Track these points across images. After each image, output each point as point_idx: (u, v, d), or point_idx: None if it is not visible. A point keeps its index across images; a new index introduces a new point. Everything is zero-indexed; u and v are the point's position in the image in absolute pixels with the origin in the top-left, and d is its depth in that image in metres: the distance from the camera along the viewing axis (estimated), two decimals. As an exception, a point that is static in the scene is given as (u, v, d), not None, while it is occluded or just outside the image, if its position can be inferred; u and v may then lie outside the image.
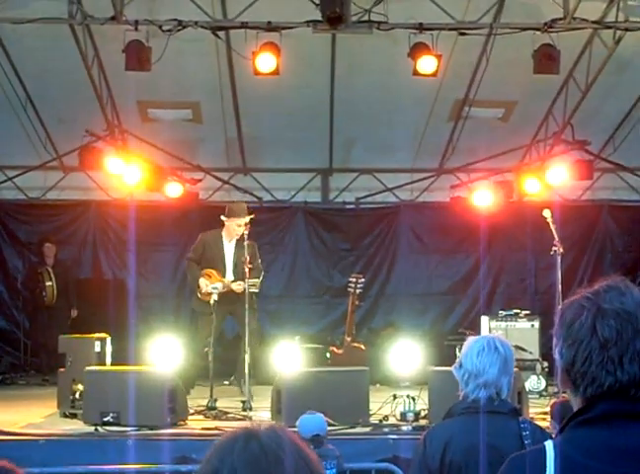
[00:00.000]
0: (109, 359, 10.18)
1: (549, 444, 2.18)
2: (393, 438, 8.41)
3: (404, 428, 8.91)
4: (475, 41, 11.88)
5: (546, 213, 10.68)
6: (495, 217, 14.48)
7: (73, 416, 9.43)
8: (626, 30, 11.10)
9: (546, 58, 11.06)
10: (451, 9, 11.18)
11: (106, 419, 8.84)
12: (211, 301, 10.48)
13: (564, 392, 2.57)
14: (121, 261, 15.40)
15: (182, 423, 9.14)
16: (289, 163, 15.21)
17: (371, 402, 9.36)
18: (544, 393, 11.42)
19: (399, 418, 9.23)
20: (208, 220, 12.73)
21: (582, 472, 2.10)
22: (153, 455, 7.82)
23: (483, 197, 14.62)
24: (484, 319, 13.12)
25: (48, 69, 12.69)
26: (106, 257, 15.61)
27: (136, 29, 10.78)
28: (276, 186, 15.52)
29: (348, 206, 15.90)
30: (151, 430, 8.69)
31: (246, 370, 10.00)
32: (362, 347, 12.28)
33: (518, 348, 11.30)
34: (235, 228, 10.90)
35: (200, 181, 14.86)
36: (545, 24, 10.81)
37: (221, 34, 11.39)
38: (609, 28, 11.13)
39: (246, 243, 10.40)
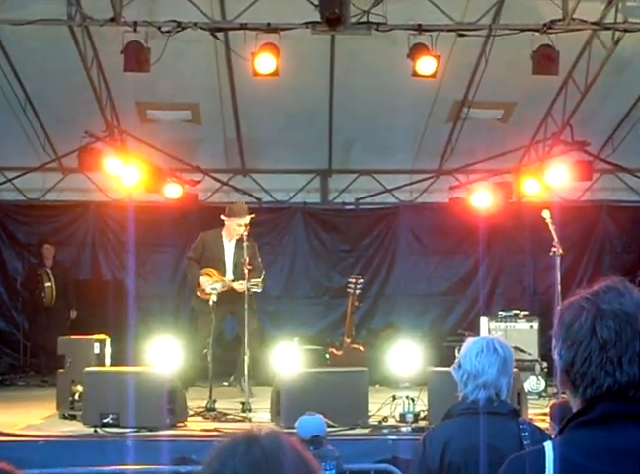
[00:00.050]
0: (108, 361, 10.18)
1: (548, 445, 2.19)
2: (392, 439, 8.41)
3: (403, 429, 8.90)
4: (474, 42, 11.89)
5: (545, 214, 10.68)
6: (494, 218, 14.48)
7: (72, 417, 9.43)
8: (625, 30, 11.10)
9: (545, 59, 11.06)
10: (450, 10, 11.18)
11: (105, 420, 8.84)
12: (210, 302, 10.47)
13: (563, 393, 2.57)
14: (121, 262, 15.40)
15: (181, 424, 9.14)
16: (288, 164, 15.21)
17: (371, 403, 9.36)
18: (544, 394, 11.42)
19: (398, 419, 9.23)
20: (208, 221, 12.73)
21: (581, 473, 2.10)
22: (152, 456, 7.82)
23: (482, 198, 14.62)
24: (483, 320, 13.12)
25: (47, 70, 12.68)
26: (105, 258, 15.61)
27: (135, 30, 10.78)
28: (275, 187, 15.52)
29: (347, 207, 15.89)
30: (150, 431, 8.69)
31: (245, 371, 10.00)
32: (362, 348, 12.28)
33: (517, 348, 11.29)
34: (235, 228, 10.92)
35: (199, 182, 14.86)
36: (544, 25, 10.81)
37: (220, 35, 11.39)
38: (608, 29, 11.13)
39: (245, 244, 10.41)
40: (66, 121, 13.54)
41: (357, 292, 12.31)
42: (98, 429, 8.76)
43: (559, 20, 10.78)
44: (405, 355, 13.16)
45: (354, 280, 12.33)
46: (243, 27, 10.90)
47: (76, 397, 9.47)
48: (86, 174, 14.52)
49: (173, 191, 14.36)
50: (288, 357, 12.54)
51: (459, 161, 14.98)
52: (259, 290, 10.70)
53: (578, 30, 11.10)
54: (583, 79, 12.43)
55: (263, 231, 13.94)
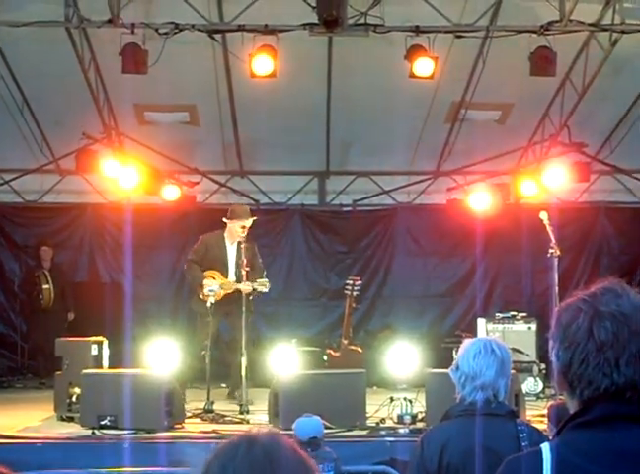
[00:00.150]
0: (106, 363, 10.18)
1: (545, 447, 2.18)
2: (390, 441, 8.42)
3: (401, 430, 8.91)
4: (472, 44, 11.89)
5: (543, 216, 10.67)
6: (492, 220, 14.47)
7: (70, 419, 9.43)
8: (622, 32, 11.10)
9: (543, 61, 11.07)
10: (448, 11, 11.18)
11: (103, 422, 8.83)
12: (208, 304, 10.47)
13: (561, 394, 2.57)
14: (118, 264, 15.38)
15: (179, 426, 9.14)
16: (286, 166, 15.21)
17: (368, 404, 9.36)
18: (541, 395, 11.42)
19: (396, 420, 9.24)
20: (206, 223, 12.72)
21: (579, 474, 2.10)
22: (150, 458, 7.82)
23: (480, 200, 14.62)
24: (481, 321, 13.12)
25: (45, 72, 12.67)
26: (102, 260, 15.61)
27: (133, 32, 10.77)
28: (272, 188, 15.52)
29: (344, 209, 15.89)
30: (148, 433, 8.69)
31: (243, 373, 9.99)
32: (359, 349, 12.27)
33: (514, 350, 11.28)
34: (237, 230, 10.87)
35: (197, 183, 14.85)
36: (542, 26, 10.81)
37: (218, 36, 11.38)
38: (606, 30, 11.13)
39: (243, 245, 10.41)
40: (64, 123, 13.53)
41: (354, 294, 12.30)
42: (95, 431, 8.75)
43: (556, 21, 10.79)
44: (403, 357, 13.16)
45: (351, 282, 12.33)
46: (241, 28, 10.90)
47: (74, 399, 9.48)
48: (84, 176, 14.51)
49: (171, 192, 14.36)
50: (286, 359, 12.55)
51: (457, 162, 14.98)
52: (266, 290, 10.68)
53: (575, 31, 11.10)
54: (580, 80, 12.44)
55: (260, 233, 13.91)
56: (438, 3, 11.16)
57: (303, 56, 12.06)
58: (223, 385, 11.86)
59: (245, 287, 10.49)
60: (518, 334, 12.67)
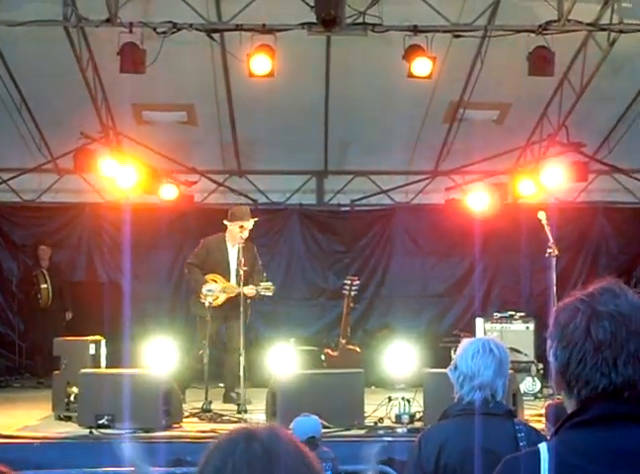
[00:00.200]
0: (103, 362, 10.19)
1: (543, 447, 2.18)
2: (388, 441, 8.42)
3: (399, 430, 8.92)
4: (470, 44, 11.89)
5: (541, 215, 10.67)
6: (490, 219, 14.47)
7: (68, 418, 9.43)
8: (621, 32, 11.10)
9: (541, 60, 11.07)
10: (446, 11, 11.18)
11: (100, 421, 8.84)
12: (206, 303, 10.46)
13: (559, 394, 2.56)
14: (116, 263, 15.38)
15: (176, 425, 9.14)
16: (284, 165, 15.21)
17: (366, 404, 9.37)
18: (539, 395, 11.43)
19: (394, 420, 9.24)
20: (204, 222, 12.72)
21: (577, 474, 2.10)
22: (148, 458, 7.81)
23: (478, 200, 14.62)
24: (479, 321, 13.13)
25: (43, 71, 12.66)
26: (100, 259, 15.60)
27: (131, 31, 10.76)
28: (271, 188, 15.52)
29: (343, 209, 15.89)
30: (146, 432, 8.68)
31: (241, 373, 9.99)
32: (357, 349, 12.28)
33: (512, 350, 11.28)
34: (238, 231, 10.82)
35: (195, 183, 14.85)
36: (540, 26, 10.81)
37: (216, 36, 11.37)
38: (604, 30, 11.13)
39: (242, 245, 10.40)
40: (62, 123, 13.51)
41: (352, 293, 12.31)
42: (93, 430, 8.75)
43: (555, 21, 10.78)
44: (401, 357, 13.17)
45: (349, 282, 12.34)
46: (239, 28, 10.90)
47: (72, 398, 9.48)
48: (82, 175, 14.50)
49: (169, 192, 14.36)
50: (284, 359, 12.55)
51: (455, 162, 14.98)
52: (270, 293, 10.68)
53: (573, 31, 11.09)
54: (578, 80, 12.44)
55: (258, 232, 13.87)
56: (436, 3, 11.16)
57: (301, 56, 12.06)
58: (221, 385, 11.86)
59: (249, 291, 10.46)
60: (516, 333, 12.68)
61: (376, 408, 9.53)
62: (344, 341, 12.23)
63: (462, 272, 15.73)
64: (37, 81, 12.94)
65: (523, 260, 15.23)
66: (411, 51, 11.03)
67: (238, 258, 10.78)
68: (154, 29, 10.81)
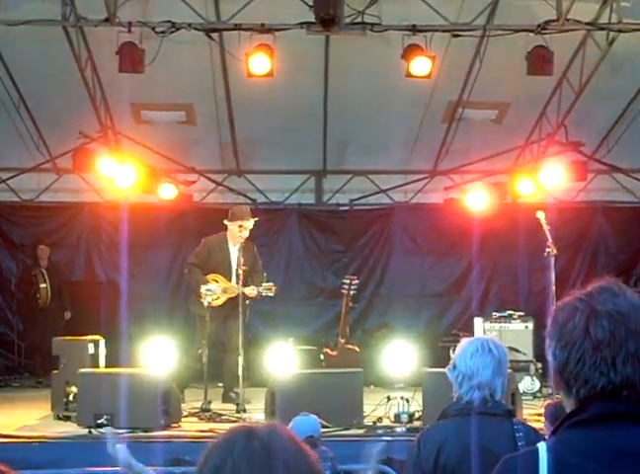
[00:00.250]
0: (102, 362, 10.19)
1: (542, 446, 2.18)
2: (387, 440, 8.41)
3: (398, 429, 8.91)
4: (469, 43, 11.88)
5: (540, 215, 10.68)
6: (488, 219, 14.48)
7: (67, 418, 9.43)
8: (619, 31, 11.10)
9: (540, 60, 11.07)
10: (445, 11, 11.17)
11: (99, 421, 8.83)
12: (205, 303, 10.45)
13: (558, 393, 2.56)
14: (115, 263, 15.36)
15: (175, 425, 9.14)
16: (283, 165, 15.21)
17: (365, 404, 9.37)
18: (538, 394, 11.43)
19: (393, 419, 9.24)
20: (202, 222, 12.72)
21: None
22: (146, 458, 7.80)
23: (477, 199, 14.62)
24: (478, 320, 13.14)
25: (42, 71, 12.66)
26: (99, 259, 15.60)
27: (129, 30, 10.76)
28: (269, 187, 15.51)
29: (341, 208, 15.89)
30: (145, 432, 8.68)
31: (240, 372, 9.99)
32: (356, 348, 12.29)
33: (511, 349, 11.29)
34: (238, 231, 10.80)
35: (193, 182, 14.85)
36: (539, 25, 10.81)
37: (215, 35, 11.37)
38: (603, 29, 11.13)
39: (242, 245, 10.40)
40: (60, 122, 13.51)
41: (351, 293, 12.32)
42: (92, 430, 8.75)
43: (553, 20, 10.78)
44: (400, 356, 13.17)
45: (348, 281, 12.34)
46: (237, 27, 10.89)
47: (70, 398, 9.48)
48: (80, 175, 14.49)
49: (168, 191, 14.35)
50: (283, 358, 12.55)
51: (454, 162, 14.99)
52: (272, 294, 10.68)
53: (572, 30, 11.09)
54: (577, 79, 12.44)
55: (257, 232, 13.88)
56: (435, 2, 11.16)
57: (300, 55, 12.05)
58: (220, 385, 11.86)
59: (251, 292, 10.46)
60: (514, 333, 12.69)
61: (375, 407, 9.53)
62: (343, 340, 12.23)
63: (461, 271, 15.74)
64: (35, 80, 12.94)
65: (522, 259, 15.22)
66: (410, 51, 11.03)
67: (239, 258, 10.79)
68: (153, 28, 10.80)
